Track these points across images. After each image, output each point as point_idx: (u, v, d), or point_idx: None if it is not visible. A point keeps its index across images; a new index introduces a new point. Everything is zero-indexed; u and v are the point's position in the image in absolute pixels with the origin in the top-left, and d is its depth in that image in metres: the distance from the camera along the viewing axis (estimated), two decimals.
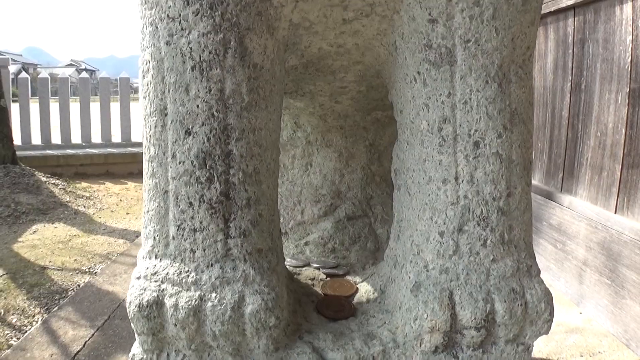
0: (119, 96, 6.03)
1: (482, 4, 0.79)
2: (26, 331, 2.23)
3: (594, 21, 1.96)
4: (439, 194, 0.86)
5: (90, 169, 5.34)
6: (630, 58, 1.74)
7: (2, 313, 2.43)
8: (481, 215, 0.85)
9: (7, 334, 2.24)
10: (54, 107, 5.87)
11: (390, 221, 1.20)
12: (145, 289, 0.84)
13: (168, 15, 0.79)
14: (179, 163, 0.82)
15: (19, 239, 3.49)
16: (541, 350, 1.66)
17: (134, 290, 0.84)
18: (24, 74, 5.72)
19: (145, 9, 0.82)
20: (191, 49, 0.79)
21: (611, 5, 1.85)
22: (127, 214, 4.29)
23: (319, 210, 1.24)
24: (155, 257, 0.87)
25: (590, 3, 1.97)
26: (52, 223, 3.90)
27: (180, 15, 0.78)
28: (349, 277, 1.15)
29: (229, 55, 0.79)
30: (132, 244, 3.49)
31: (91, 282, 2.82)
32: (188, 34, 0.78)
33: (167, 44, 0.80)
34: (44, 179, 4.53)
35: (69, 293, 2.73)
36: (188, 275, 0.83)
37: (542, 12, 2.28)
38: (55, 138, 5.78)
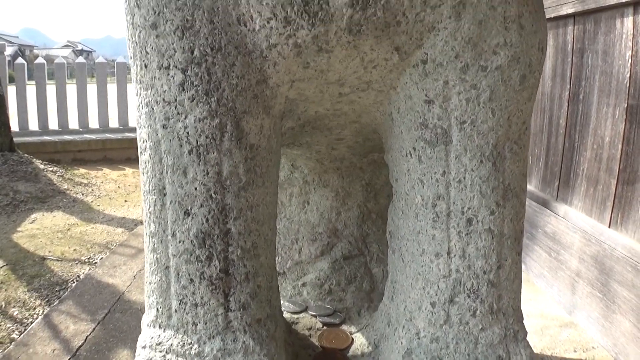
0: (115, 80, 5.98)
1: (479, 87, 0.80)
2: (27, 324, 2.26)
3: (593, 32, 1.94)
4: (432, 267, 0.88)
5: (88, 154, 5.33)
6: (629, 74, 1.73)
7: (4, 306, 2.46)
8: (472, 288, 0.87)
9: (9, 327, 2.28)
10: (51, 89, 5.81)
11: (386, 259, 1.22)
12: (151, 359, 0.87)
13: (164, 99, 0.79)
14: (179, 242, 0.84)
15: (18, 229, 3.46)
16: (535, 345, 1.69)
17: (140, 359, 0.88)
18: (20, 60, 5.64)
19: (140, 88, 0.82)
20: (188, 133, 0.79)
21: (612, 18, 1.82)
22: (125, 201, 4.30)
23: (315, 250, 1.27)
24: (159, 327, 0.90)
25: (590, 13, 1.94)
26: (51, 212, 3.91)
27: (176, 100, 0.78)
28: (344, 327, 1.19)
29: (225, 139, 0.80)
30: (131, 234, 3.51)
31: (91, 275, 2.85)
32: (184, 119, 0.79)
33: (163, 127, 0.80)
34: (42, 166, 4.54)
35: (69, 284, 2.76)
36: (191, 347, 0.86)
37: None
38: (53, 123, 5.73)
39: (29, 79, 5.87)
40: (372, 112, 0.94)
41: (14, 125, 5.02)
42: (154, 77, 0.79)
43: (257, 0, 0.72)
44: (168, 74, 0.77)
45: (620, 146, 1.77)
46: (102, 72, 6.02)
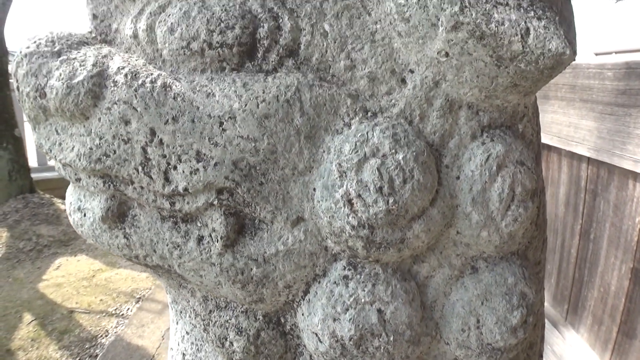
0: None
1: None
2: None
3: (607, 180, 2.03)
4: None
5: None
6: (637, 238, 1.84)
7: None
8: None
9: None
10: None
11: None
12: None
13: None
14: None
15: (44, 277, 3.55)
16: None
17: None
18: None
19: None
20: None
21: (625, 176, 1.91)
22: None
23: None
24: None
25: (604, 162, 2.02)
26: (75, 256, 3.96)
27: None
28: None
29: None
30: (156, 286, 3.61)
31: (120, 335, 3.00)
32: None
33: None
34: (62, 206, 4.62)
35: (98, 340, 2.91)
36: None
37: (555, 144, 2.33)
38: None
39: None
40: None
41: (32, 161, 5.08)
42: None
43: None
44: None
45: (623, 300, 1.90)
46: None
